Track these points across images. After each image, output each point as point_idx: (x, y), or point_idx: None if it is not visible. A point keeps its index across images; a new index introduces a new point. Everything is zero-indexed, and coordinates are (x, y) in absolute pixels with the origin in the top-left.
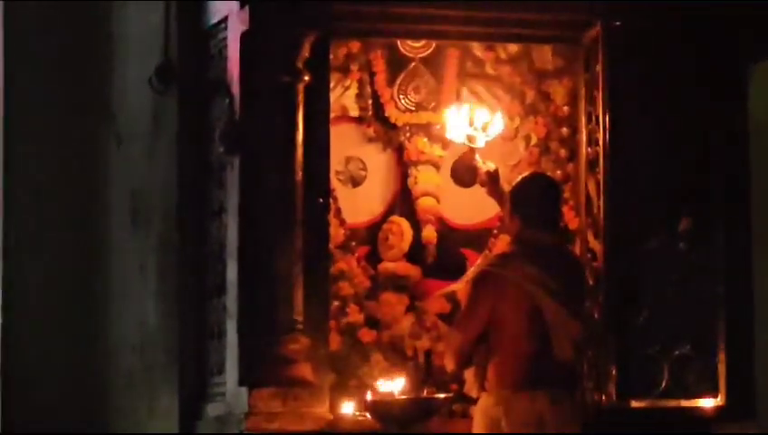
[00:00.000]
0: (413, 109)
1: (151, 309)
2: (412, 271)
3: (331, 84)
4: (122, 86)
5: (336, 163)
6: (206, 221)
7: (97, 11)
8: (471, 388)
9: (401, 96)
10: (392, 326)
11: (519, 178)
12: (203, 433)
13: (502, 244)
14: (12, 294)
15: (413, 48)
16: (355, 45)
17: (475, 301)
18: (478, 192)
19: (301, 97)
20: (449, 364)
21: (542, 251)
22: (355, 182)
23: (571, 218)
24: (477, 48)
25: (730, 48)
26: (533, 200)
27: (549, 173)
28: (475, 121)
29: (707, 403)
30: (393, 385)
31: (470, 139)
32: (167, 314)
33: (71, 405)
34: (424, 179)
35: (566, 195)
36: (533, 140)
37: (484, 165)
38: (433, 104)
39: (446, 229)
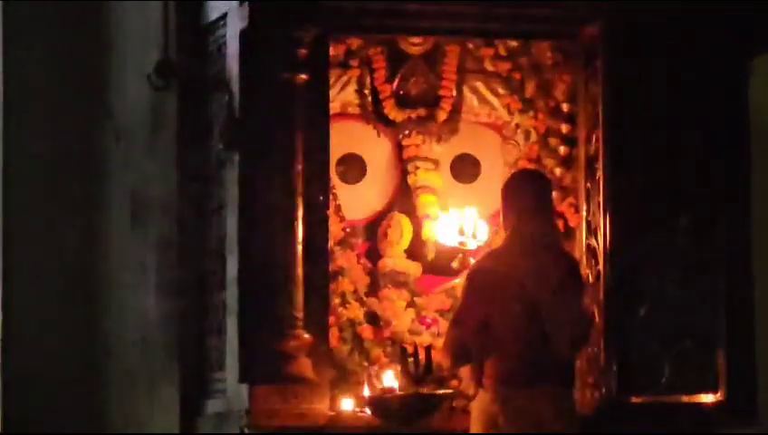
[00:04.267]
0: (412, 105)
1: (151, 305)
2: (412, 267)
3: (331, 81)
4: (121, 83)
5: (335, 159)
6: (206, 217)
7: (96, 7)
8: (467, 385)
9: (401, 92)
10: (392, 323)
11: (510, 174)
12: (203, 430)
13: (498, 240)
14: (12, 290)
15: (412, 44)
16: (354, 42)
17: (469, 297)
18: (478, 188)
19: (300, 93)
20: (444, 361)
21: (537, 245)
22: (355, 179)
23: (570, 215)
24: (476, 44)
25: (730, 43)
26: (524, 194)
27: (548, 169)
28: (465, 230)
29: (708, 399)
30: (393, 381)
31: (462, 244)
32: (167, 310)
33: (71, 401)
34: (423, 176)
35: (566, 191)
36: (533, 137)
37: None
38: (432, 100)
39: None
